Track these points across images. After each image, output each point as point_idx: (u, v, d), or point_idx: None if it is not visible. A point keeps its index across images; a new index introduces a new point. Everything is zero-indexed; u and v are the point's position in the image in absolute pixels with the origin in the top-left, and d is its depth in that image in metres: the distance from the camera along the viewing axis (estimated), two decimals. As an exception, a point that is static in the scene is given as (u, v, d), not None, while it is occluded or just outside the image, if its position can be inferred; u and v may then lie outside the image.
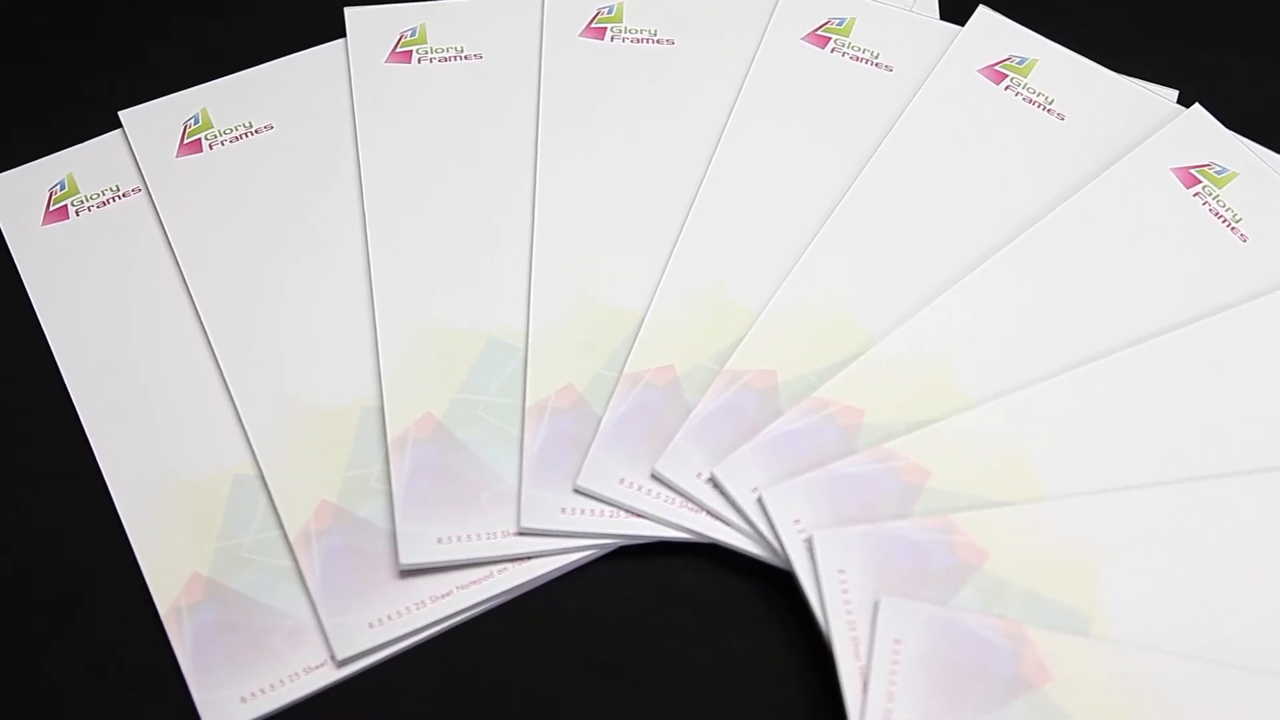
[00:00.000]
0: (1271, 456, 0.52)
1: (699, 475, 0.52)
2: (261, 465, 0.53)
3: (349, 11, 0.66)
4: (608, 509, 0.51)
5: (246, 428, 0.54)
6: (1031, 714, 0.46)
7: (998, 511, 0.51)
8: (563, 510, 0.51)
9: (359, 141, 0.62)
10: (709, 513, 0.51)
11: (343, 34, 0.66)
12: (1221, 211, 0.58)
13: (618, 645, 0.51)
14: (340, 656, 0.49)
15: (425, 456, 0.53)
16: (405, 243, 0.58)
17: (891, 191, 0.59)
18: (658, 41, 0.65)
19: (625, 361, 0.55)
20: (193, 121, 0.63)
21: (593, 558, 0.52)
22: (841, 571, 0.49)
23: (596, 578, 0.52)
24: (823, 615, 0.48)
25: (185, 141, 0.63)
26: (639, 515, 0.51)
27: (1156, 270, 0.57)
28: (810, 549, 0.49)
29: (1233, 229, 0.58)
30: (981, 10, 0.65)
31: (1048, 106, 0.62)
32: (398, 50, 0.65)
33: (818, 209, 0.59)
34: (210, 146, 0.62)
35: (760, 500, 0.51)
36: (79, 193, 0.61)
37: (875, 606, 0.48)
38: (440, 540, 0.51)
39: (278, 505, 0.52)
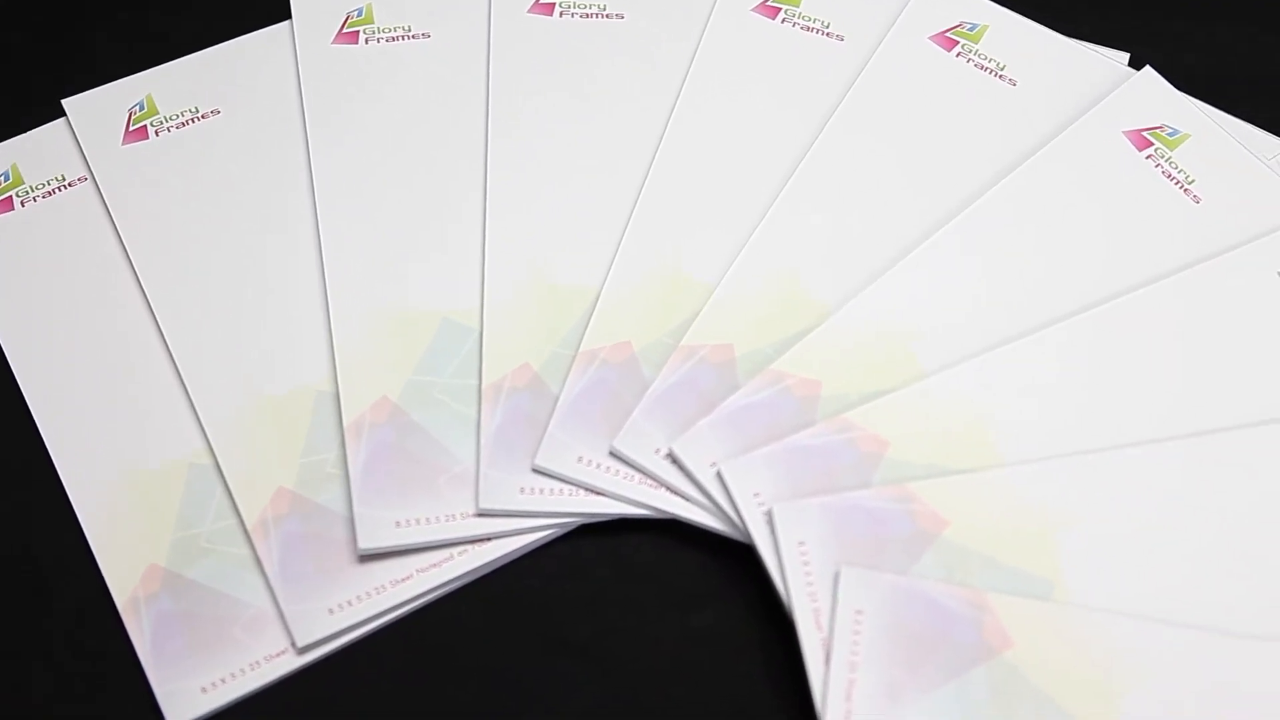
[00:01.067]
0: (1227, 417, 0.52)
1: (657, 451, 0.51)
2: (217, 453, 0.52)
3: (295, -7, 0.66)
4: (567, 488, 0.51)
5: (201, 416, 0.53)
6: (994, 680, 0.46)
7: (957, 479, 0.51)
8: (521, 490, 0.51)
9: (307, 124, 0.61)
10: (668, 488, 0.51)
11: (288, 16, 0.65)
12: (1174, 173, 0.58)
13: (580, 624, 0.50)
14: (301, 643, 0.48)
15: (382, 440, 0.52)
16: (356, 225, 0.58)
17: (844, 162, 0.59)
18: (607, 16, 0.65)
19: (581, 339, 0.54)
20: (138, 108, 0.62)
21: (553, 537, 0.52)
22: (802, 543, 0.49)
23: (557, 557, 0.52)
24: (784, 587, 0.48)
25: (131, 129, 0.62)
26: (598, 493, 0.51)
27: (1110, 234, 0.57)
28: (770, 522, 0.49)
29: (1185, 190, 0.58)
30: (931, -23, 0.65)
31: (999, 72, 0.62)
32: (344, 31, 0.65)
33: (771, 181, 0.59)
34: (157, 133, 0.62)
35: (719, 474, 0.50)
36: (24, 183, 0.61)
37: (836, 577, 0.48)
38: (399, 524, 0.50)
39: (234, 493, 0.51)
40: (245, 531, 0.51)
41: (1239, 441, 0.51)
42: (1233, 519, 0.50)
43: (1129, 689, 0.46)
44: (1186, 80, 0.62)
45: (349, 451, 0.52)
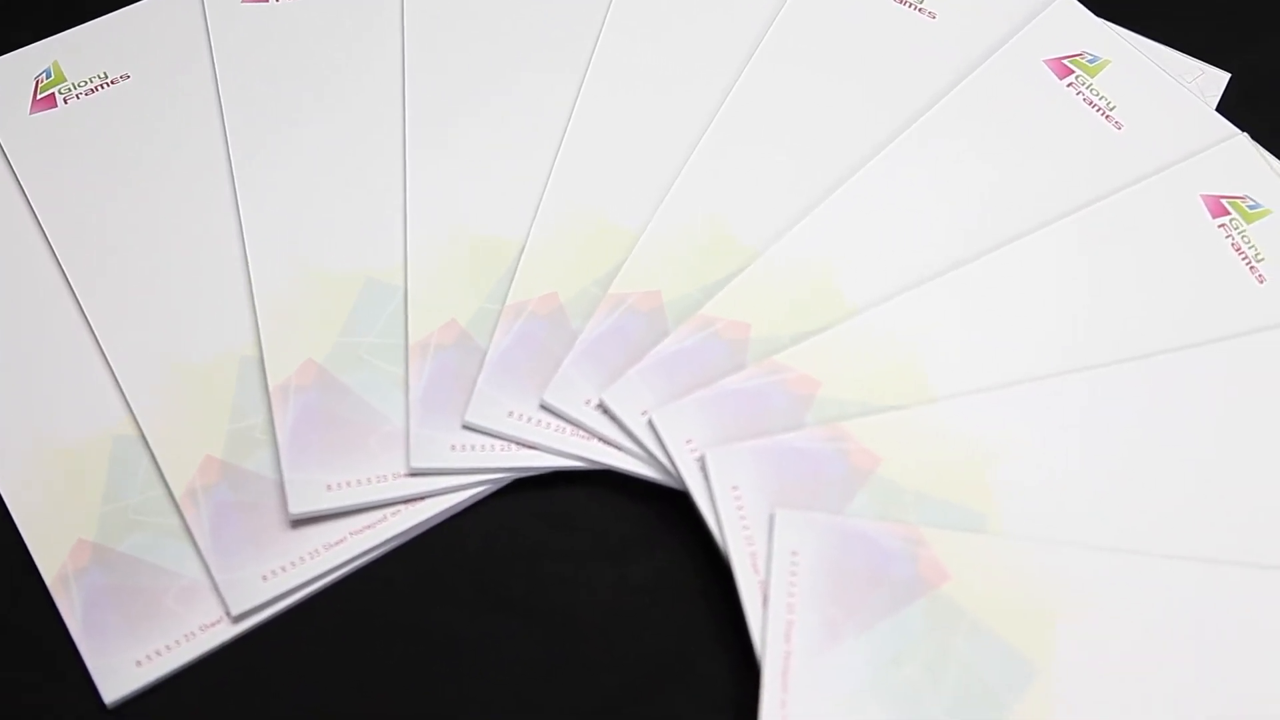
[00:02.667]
0: (1153, 343, 0.52)
1: (588, 402, 0.51)
2: (141, 424, 0.52)
3: (200, -47, 0.64)
4: (498, 443, 0.51)
5: (123, 387, 0.52)
6: (931, 614, 0.47)
7: (888, 416, 0.51)
8: (453, 448, 0.50)
9: (220, 86, 0.60)
10: (601, 439, 0.51)
11: (196, -23, 0.64)
12: (1095, 100, 0.58)
13: (518, 579, 0.50)
14: (235, 612, 0.48)
15: (309, 404, 0.52)
16: (274, 187, 0.57)
17: (765, 103, 0.59)
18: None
19: (508, 292, 0.54)
20: (45, 76, 0.61)
21: (487, 493, 0.51)
22: (735, 488, 0.49)
23: (493, 512, 0.51)
24: (719, 532, 0.48)
25: (38, 97, 0.60)
26: (530, 447, 0.51)
27: (1033, 163, 0.57)
28: (703, 467, 0.49)
29: (1107, 117, 0.58)
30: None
31: (919, 6, 0.62)
32: (255, -12, 0.63)
33: (694, 125, 0.58)
34: (65, 100, 0.60)
35: (651, 422, 0.50)
36: (-70, 155, 0.59)
37: (771, 520, 0.48)
38: (330, 487, 0.50)
39: (160, 464, 0.51)
40: (174, 502, 0.50)
41: (1163, 367, 0.52)
42: (1158, 443, 0.50)
43: (1064, 615, 0.46)
44: (1105, 6, 0.61)
45: (276, 416, 0.51)
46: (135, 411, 0.52)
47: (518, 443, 0.51)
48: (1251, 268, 0.55)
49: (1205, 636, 0.46)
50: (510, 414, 0.51)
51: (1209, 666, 0.46)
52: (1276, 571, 0.48)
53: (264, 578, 0.49)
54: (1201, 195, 0.56)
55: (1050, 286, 0.54)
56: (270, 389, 0.52)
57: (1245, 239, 0.56)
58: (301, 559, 0.49)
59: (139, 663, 0.47)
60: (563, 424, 0.51)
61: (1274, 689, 0.45)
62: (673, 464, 0.49)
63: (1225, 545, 0.49)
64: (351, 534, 0.50)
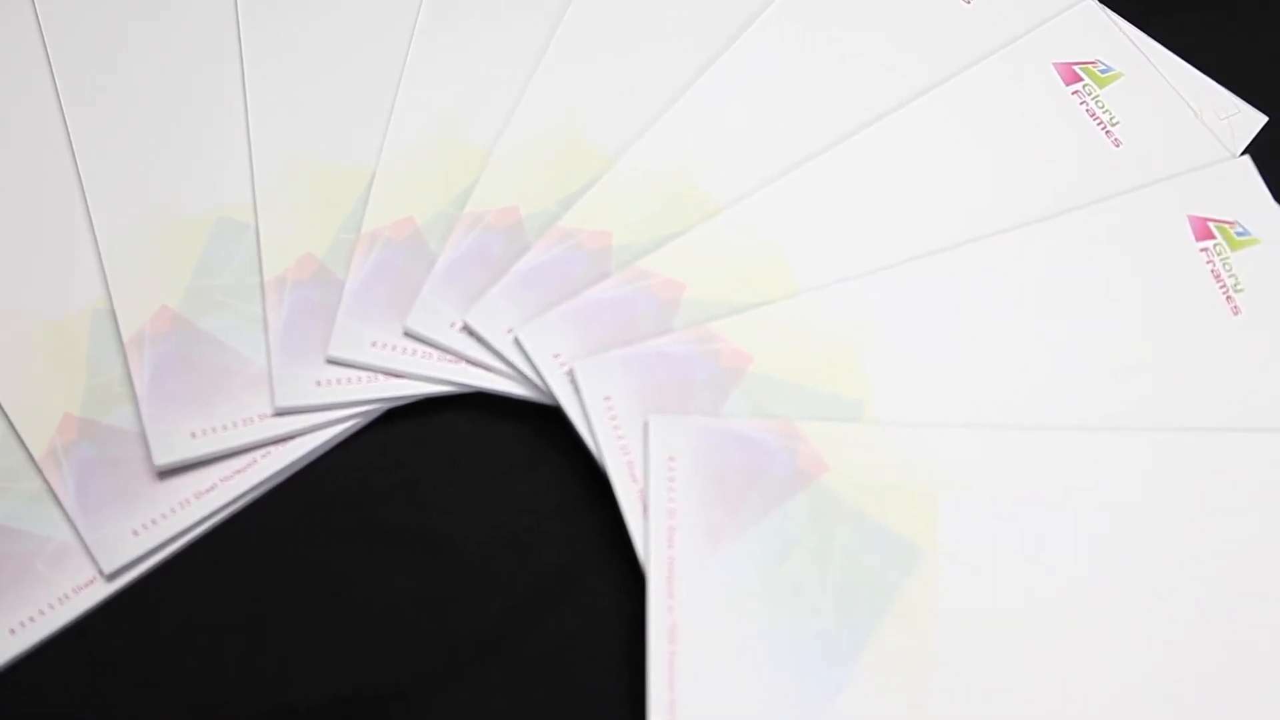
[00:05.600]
0: (1012, 216, 0.52)
1: (452, 325, 0.50)
2: (-6, 388, 0.50)
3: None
4: (364, 375, 0.50)
5: (-28, 351, 0.51)
6: (813, 506, 0.46)
7: (756, 313, 0.50)
8: (318, 383, 0.49)
9: (42, 27, 0.57)
10: (469, 361, 0.50)
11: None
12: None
13: (400, 510, 0.49)
14: (108, 570, 0.47)
15: (166, 351, 0.50)
16: (110, 130, 0.55)
17: (610, 5, 0.57)
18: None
19: (362, 221, 0.52)
20: None
21: (360, 426, 0.50)
22: (608, 398, 0.48)
23: (367, 446, 0.50)
24: (594, 444, 0.48)
25: None
26: (398, 376, 0.50)
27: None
28: (573, 380, 0.48)
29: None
30: None
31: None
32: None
33: (540, 33, 0.57)
34: None
35: (517, 340, 0.49)
36: None
37: (645, 427, 0.47)
38: (194, 435, 0.48)
39: (17, 427, 0.49)
40: (35, 464, 0.48)
41: (1021, 239, 0.52)
42: (1024, 316, 0.50)
43: (945, 495, 0.47)
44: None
45: (132, 367, 0.50)
46: (-13, 375, 0.50)
47: (384, 373, 0.50)
48: (1107, 131, 0.55)
49: (1084, 502, 0.47)
50: (374, 344, 0.50)
51: (1090, 532, 0.46)
52: (1147, 434, 0.48)
53: (135, 533, 0.47)
54: (1054, 64, 0.56)
55: (907, 170, 0.53)
56: (124, 340, 0.50)
57: (1099, 103, 0.55)
58: (172, 510, 0.48)
59: (12, 630, 0.46)
60: (429, 350, 0.50)
61: (1153, 548, 0.46)
62: (542, 380, 0.49)
63: (1098, 412, 0.49)
64: (222, 480, 0.49)
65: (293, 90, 0.56)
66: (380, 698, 0.46)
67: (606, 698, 0.46)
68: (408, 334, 0.50)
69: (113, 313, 0.51)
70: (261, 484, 0.49)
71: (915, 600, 0.45)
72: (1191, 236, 0.53)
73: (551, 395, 0.49)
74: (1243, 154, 0.56)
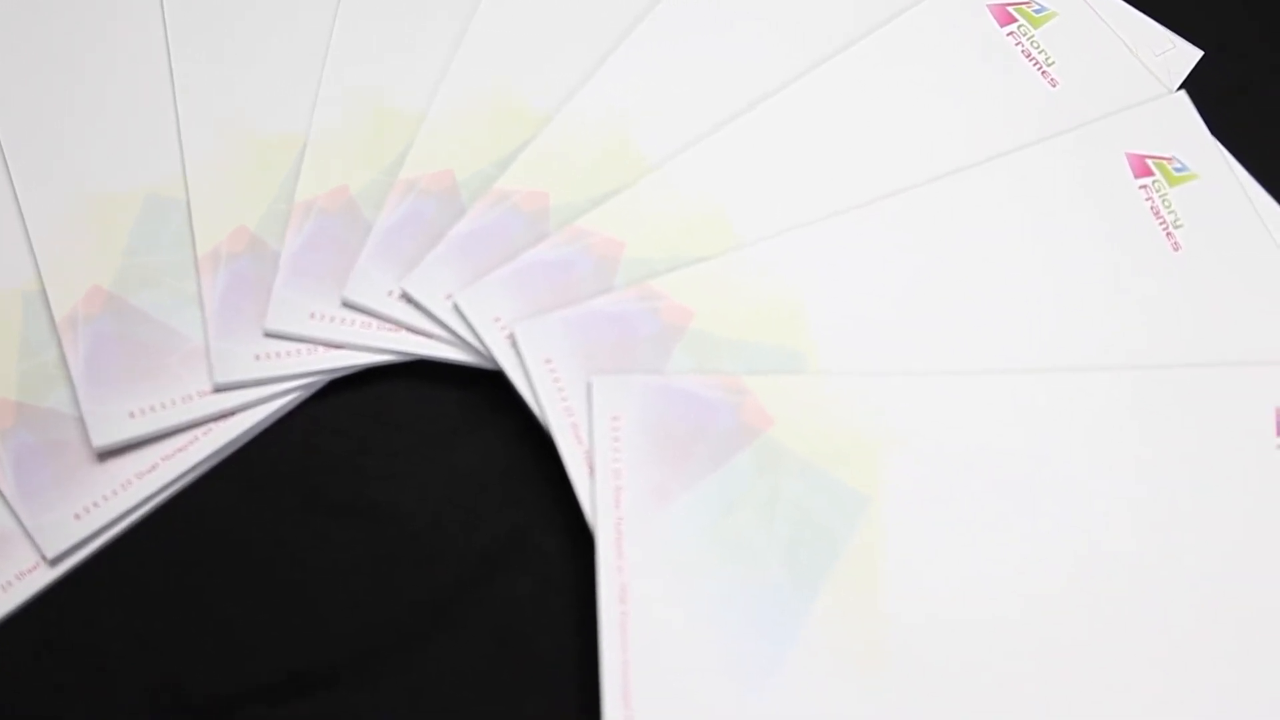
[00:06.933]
0: (948, 161, 0.52)
1: (391, 293, 0.50)
2: (-74, 376, 0.49)
3: None
4: (304, 347, 0.49)
5: (-97, 339, 0.50)
6: (760, 459, 0.46)
7: (697, 269, 0.50)
8: (256, 358, 0.49)
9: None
10: (409, 329, 0.49)
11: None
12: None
13: (345, 481, 0.49)
14: (51, 555, 0.46)
15: (100, 331, 0.49)
16: (34, 108, 0.54)
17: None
18: None
19: (295, 190, 0.51)
20: None
21: (302, 399, 0.50)
22: (549, 360, 0.48)
23: (310, 418, 0.50)
24: (538, 407, 0.47)
25: None
26: (337, 347, 0.49)
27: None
28: (514, 344, 0.48)
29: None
30: None
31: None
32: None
33: (470, -6, 0.56)
34: None
35: (456, 305, 0.49)
36: None
37: (589, 388, 0.47)
38: (133, 415, 0.48)
39: (-48, 414, 0.48)
40: (-29, 452, 0.48)
41: (959, 184, 0.51)
42: (964, 260, 0.50)
43: (889, 442, 0.46)
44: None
45: (66, 349, 0.49)
46: (-83, 363, 0.49)
47: (324, 344, 0.49)
48: (1043, 72, 0.54)
49: (1031, 444, 0.47)
50: (312, 315, 0.49)
51: (1039, 474, 0.46)
52: (1093, 374, 0.48)
53: (76, 516, 0.47)
54: (987, 5, 0.56)
55: (843, 119, 0.53)
56: (57, 321, 0.49)
57: (1034, 43, 0.55)
58: (114, 491, 0.47)
59: (-44, 620, 0.46)
60: (368, 319, 0.50)
61: (1102, 489, 0.46)
62: (483, 344, 0.48)
63: (1043, 355, 0.49)
64: (163, 459, 0.48)
65: (219, 61, 0.55)
66: (333, 669, 0.46)
67: (559, 660, 0.46)
68: (346, 304, 0.49)
69: (44, 294, 0.50)
70: (204, 461, 0.48)
71: (864, 550, 0.45)
72: (1130, 174, 0.52)
73: (493, 360, 0.48)
74: (1179, 90, 0.55)
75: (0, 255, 0.51)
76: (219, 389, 0.48)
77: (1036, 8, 0.57)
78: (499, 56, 0.54)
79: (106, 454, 0.48)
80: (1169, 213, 0.52)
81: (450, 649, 0.46)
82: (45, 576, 0.47)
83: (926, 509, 0.46)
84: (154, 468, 0.48)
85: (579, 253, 0.50)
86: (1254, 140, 0.55)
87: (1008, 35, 0.56)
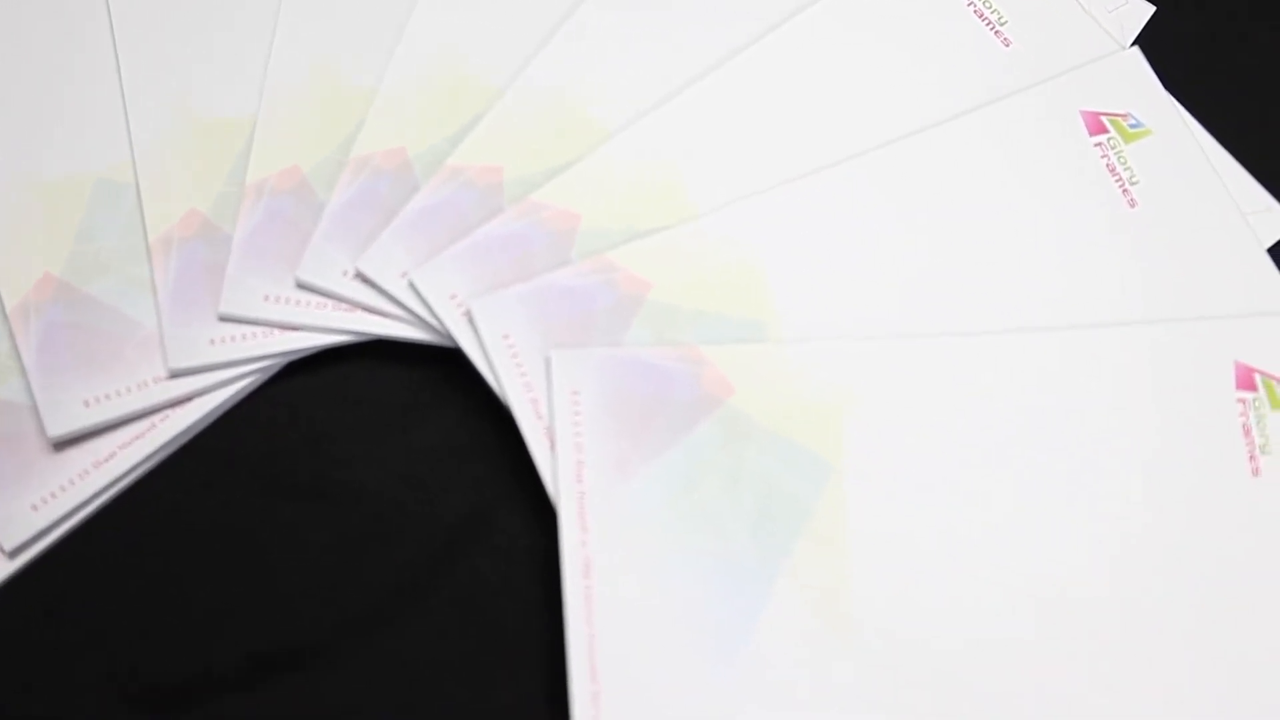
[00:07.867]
0: (902, 126, 0.52)
1: (345, 273, 0.49)
2: (-128, 370, 0.48)
3: None
4: (259, 330, 0.49)
5: None
6: (721, 429, 0.46)
7: (653, 240, 0.50)
8: (211, 342, 0.48)
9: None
10: (365, 309, 0.49)
11: None
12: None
13: (305, 463, 0.49)
14: (9, 547, 0.46)
15: (52, 319, 0.49)
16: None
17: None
18: None
19: (246, 172, 0.51)
20: None
21: (259, 383, 0.49)
22: (506, 336, 0.47)
23: (269, 401, 0.50)
24: (497, 384, 0.47)
25: None
26: (293, 328, 0.49)
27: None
28: (471, 321, 0.48)
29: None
30: None
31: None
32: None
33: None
34: None
35: (411, 283, 0.48)
36: None
37: (547, 362, 0.47)
38: (87, 403, 0.47)
39: (-97, 407, 0.48)
40: (-75, 446, 0.47)
41: (912, 146, 0.51)
42: (920, 224, 0.50)
43: (850, 408, 0.46)
44: None
45: (18, 339, 0.48)
46: None
47: (279, 326, 0.49)
48: (996, 32, 0.54)
49: (992, 405, 0.47)
50: (266, 298, 0.49)
51: (999, 434, 0.46)
52: (1052, 333, 0.48)
53: (34, 507, 0.46)
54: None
55: (797, 85, 0.53)
56: (8, 310, 0.49)
57: (986, 4, 0.55)
58: (71, 482, 0.47)
59: (-85, 617, 0.45)
60: (324, 300, 0.49)
61: (1064, 448, 0.46)
62: (440, 322, 0.48)
63: (1001, 315, 0.49)
64: (120, 447, 0.48)
65: (165, 42, 0.54)
66: (298, 652, 0.45)
67: (526, 636, 0.45)
68: (300, 285, 0.49)
69: (-6, 284, 0.50)
70: (162, 448, 0.48)
71: (830, 516, 0.45)
72: (1085, 132, 0.52)
73: (450, 337, 0.48)
74: (1132, 45, 0.55)
75: (-51, 246, 0.50)
76: (174, 375, 0.48)
77: None
78: (449, 31, 0.54)
79: (62, 444, 0.47)
80: (1125, 169, 0.52)
81: (416, 628, 0.46)
82: (4, 569, 0.46)
83: (891, 473, 0.46)
84: (111, 456, 0.47)
85: (534, 226, 0.49)
86: (1208, 94, 0.55)
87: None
